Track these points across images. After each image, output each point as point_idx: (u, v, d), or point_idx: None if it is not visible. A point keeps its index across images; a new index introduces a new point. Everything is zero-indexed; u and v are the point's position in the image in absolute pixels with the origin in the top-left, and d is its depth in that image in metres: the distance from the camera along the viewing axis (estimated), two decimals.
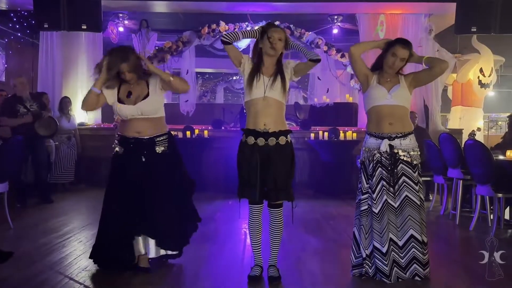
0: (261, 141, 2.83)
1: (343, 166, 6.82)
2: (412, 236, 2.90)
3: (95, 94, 3.09)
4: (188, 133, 7.01)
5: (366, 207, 3.00)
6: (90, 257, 3.16)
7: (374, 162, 2.96)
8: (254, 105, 2.85)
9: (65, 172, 6.81)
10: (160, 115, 3.17)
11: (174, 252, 3.21)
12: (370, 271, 2.95)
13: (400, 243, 2.91)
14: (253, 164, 2.82)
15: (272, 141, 2.83)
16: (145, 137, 3.08)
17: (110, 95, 3.13)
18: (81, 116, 7.85)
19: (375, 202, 2.94)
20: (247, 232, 3.03)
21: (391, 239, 2.90)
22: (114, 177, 3.12)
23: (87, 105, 3.16)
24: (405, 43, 2.95)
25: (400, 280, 2.91)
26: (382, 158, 2.95)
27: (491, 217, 4.58)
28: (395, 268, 2.91)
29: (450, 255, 3.80)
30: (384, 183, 2.94)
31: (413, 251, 2.90)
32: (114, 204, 3.06)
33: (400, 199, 2.92)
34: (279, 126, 2.86)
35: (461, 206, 4.91)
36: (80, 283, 2.87)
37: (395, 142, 2.93)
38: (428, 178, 6.06)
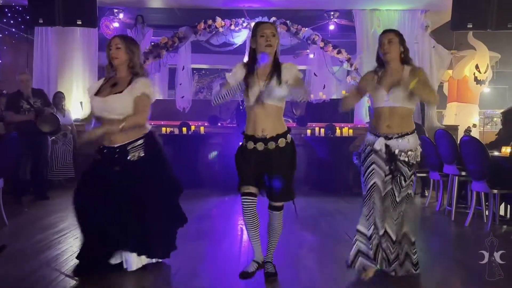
0: (260, 146, 2.81)
1: (340, 162, 6.82)
2: (385, 231, 2.92)
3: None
4: (184, 129, 6.99)
5: (365, 192, 3.00)
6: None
7: (367, 151, 2.98)
8: (252, 111, 2.81)
9: (62, 169, 6.78)
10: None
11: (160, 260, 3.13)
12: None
13: (381, 232, 2.92)
14: (251, 163, 2.81)
15: (271, 145, 2.80)
16: (116, 145, 2.89)
17: (92, 89, 3.00)
18: (76, 113, 7.82)
19: (364, 184, 2.97)
20: (244, 228, 3.01)
21: (375, 224, 2.92)
22: (87, 184, 2.96)
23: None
24: (385, 30, 3.01)
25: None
26: (381, 155, 2.93)
27: (487, 213, 4.61)
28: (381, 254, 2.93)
29: (445, 250, 3.82)
30: (376, 167, 2.92)
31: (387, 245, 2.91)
32: (90, 216, 2.89)
33: (386, 189, 2.92)
34: (277, 129, 2.81)
35: (456, 202, 4.93)
36: (76, 280, 2.86)
37: (392, 142, 2.90)
38: (424, 174, 6.09)
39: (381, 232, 2.90)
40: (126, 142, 2.90)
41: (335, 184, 6.78)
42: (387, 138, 2.92)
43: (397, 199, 2.91)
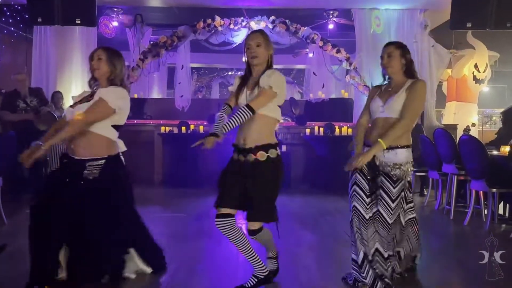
0: (241, 157, 2.63)
1: (339, 161, 6.78)
2: (377, 249, 2.74)
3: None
4: (183, 128, 6.99)
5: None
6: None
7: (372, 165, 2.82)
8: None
9: None
10: (99, 133, 2.72)
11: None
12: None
13: (370, 257, 2.74)
14: (228, 178, 2.66)
15: (250, 157, 2.60)
16: (76, 157, 2.72)
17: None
18: None
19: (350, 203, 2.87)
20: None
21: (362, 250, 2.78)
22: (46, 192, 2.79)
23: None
24: (387, 43, 2.92)
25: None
26: (364, 167, 2.81)
27: (485, 212, 4.62)
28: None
29: (444, 249, 3.83)
30: (357, 188, 2.83)
31: (377, 265, 2.72)
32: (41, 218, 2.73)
33: (371, 211, 2.78)
34: (260, 140, 2.61)
35: (455, 201, 4.95)
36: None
37: (381, 155, 2.76)
38: (423, 173, 6.10)
39: (370, 257, 2.72)
40: (87, 158, 2.70)
41: (334, 183, 6.77)
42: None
43: (389, 221, 2.71)
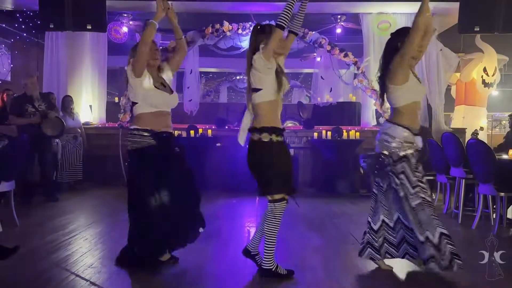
0: (280, 138, 2.91)
1: (346, 165, 6.85)
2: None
3: (154, 27, 3.11)
4: (192, 132, 7.06)
5: (419, 200, 2.91)
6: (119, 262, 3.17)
7: (416, 153, 2.97)
8: (277, 105, 2.93)
9: (71, 171, 6.86)
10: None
11: None
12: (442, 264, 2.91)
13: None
14: (289, 159, 2.95)
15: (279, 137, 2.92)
16: (173, 132, 3.21)
17: (145, 78, 3.09)
18: (86, 116, 7.91)
19: (426, 190, 2.95)
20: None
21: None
22: (148, 172, 3.03)
23: (147, 38, 3.05)
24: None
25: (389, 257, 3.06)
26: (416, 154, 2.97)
27: (494, 216, 4.59)
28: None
29: None
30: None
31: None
32: (153, 197, 3.00)
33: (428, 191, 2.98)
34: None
35: (463, 205, 4.93)
36: (86, 280, 2.91)
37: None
38: (431, 177, 6.08)
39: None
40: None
41: (341, 186, 6.80)
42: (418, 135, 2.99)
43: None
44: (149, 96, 3.06)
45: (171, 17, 3.22)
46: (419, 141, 2.95)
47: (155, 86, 3.09)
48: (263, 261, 2.98)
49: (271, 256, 2.94)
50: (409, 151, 2.92)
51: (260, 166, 2.90)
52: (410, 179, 2.92)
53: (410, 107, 2.96)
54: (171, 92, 3.20)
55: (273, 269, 2.95)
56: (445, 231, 2.90)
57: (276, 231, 2.92)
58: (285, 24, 2.82)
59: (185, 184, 3.14)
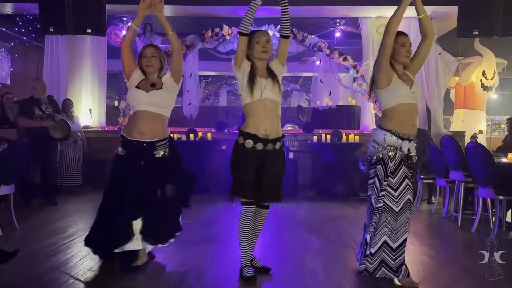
0: (259, 146, 2.88)
1: (346, 168, 6.85)
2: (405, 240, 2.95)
3: (133, 30, 3.20)
4: (191, 135, 7.06)
5: (381, 204, 2.91)
6: (85, 245, 3.25)
7: (397, 159, 2.89)
8: (255, 108, 2.89)
9: (71, 175, 6.86)
10: (165, 115, 3.21)
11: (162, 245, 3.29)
12: (370, 267, 2.96)
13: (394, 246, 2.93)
14: (249, 165, 2.87)
15: (269, 146, 2.90)
16: (146, 140, 3.11)
17: (135, 77, 3.18)
18: (85, 119, 7.92)
19: (396, 200, 2.88)
20: (238, 235, 3.03)
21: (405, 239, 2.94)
22: (114, 177, 3.17)
23: (125, 41, 3.20)
24: (404, 33, 3.03)
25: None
26: (404, 157, 2.93)
27: (493, 219, 4.60)
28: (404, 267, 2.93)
29: (452, 257, 3.82)
30: (408, 182, 2.91)
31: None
32: (113, 198, 3.13)
33: (403, 201, 2.89)
34: (277, 132, 2.93)
35: (463, 208, 4.93)
36: (86, 283, 2.91)
37: (411, 145, 2.95)
38: (431, 181, 6.10)
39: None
40: (155, 139, 3.13)
41: (341, 189, 6.80)
42: (409, 140, 2.93)
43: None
44: (129, 96, 3.19)
45: (155, 13, 3.22)
46: (405, 146, 2.88)
47: (136, 86, 3.14)
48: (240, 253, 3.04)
49: (243, 253, 3.02)
50: (390, 153, 2.89)
51: (283, 171, 3.01)
52: (381, 183, 2.92)
53: (395, 110, 2.92)
54: (158, 88, 3.15)
55: (241, 264, 3.02)
56: (389, 242, 2.91)
57: (243, 234, 2.99)
58: (245, 30, 2.88)
59: (142, 195, 3.10)
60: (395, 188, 2.88)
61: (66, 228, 4.52)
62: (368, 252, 2.98)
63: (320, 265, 3.41)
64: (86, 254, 3.56)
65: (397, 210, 2.88)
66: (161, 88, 3.17)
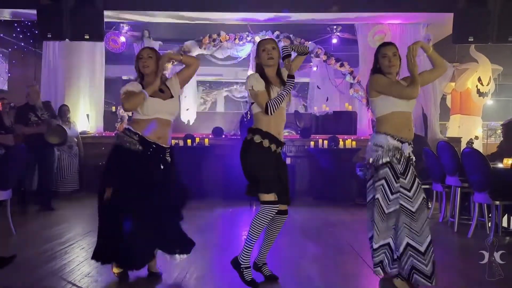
0: (273, 147, 2.94)
1: (343, 174, 6.87)
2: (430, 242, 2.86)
3: (144, 97, 2.98)
4: (189, 141, 7.07)
5: (396, 207, 2.85)
6: (94, 258, 3.08)
7: (404, 160, 2.88)
8: (278, 110, 2.91)
9: (67, 181, 6.86)
10: (172, 121, 3.18)
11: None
12: (403, 272, 2.82)
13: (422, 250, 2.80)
14: (271, 162, 2.92)
15: (279, 149, 2.99)
16: (164, 145, 3.06)
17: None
18: (83, 125, 7.92)
19: (411, 200, 2.84)
20: (248, 235, 2.98)
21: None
22: (134, 175, 2.97)
23: (133, 106, 2.99)
24: (386, 43, 3.06)
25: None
26: (394, 160, 2.89)
27: (489, 225, 4.61)
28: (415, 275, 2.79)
29: (448, 262, 3.83)
30: (419, 181, 2.90)
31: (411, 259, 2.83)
32: (133, 201, 2.94)
33: (419, 200, 2.86)
34: (282, 136, 3.03)
35: (459, 213, 4.95)
36: None
37: (410, 149, 2.97)
38: (427, 186, 6.11)
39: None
40: (168, 146, 3.12)
41: (338, 195, 6.81)
42: (409, 144, 2.95)
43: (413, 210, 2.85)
44: (143, 106, 2.99)
45: (179, 61, 3.30)
46: (405, 148, 2.89)
47: (150, 95, 3.02)
48: (241, 254, 2.96)
49: (247, 255, 2.95)
50: (397, 155, 2.88)
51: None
52: (390, 186, 2.87)
53: (390, 117, 2.93)
54: (170, 97, 3.09)
55: (241, 266, 2.95)
56: (414, 244, 2.81)
57: (253, 235, 2.89)
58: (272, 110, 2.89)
59: (163, 200, 3.03)
60: (408, 188, 2.86)
61: (63, 233, 4.52)
62: (395, 257, 2.87)
63: (316, 271, 3.41)
64: (83, 259, 3.56)
65: (414, 210, 2.84)
66: (173, 96, 3.12)
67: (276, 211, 2.90)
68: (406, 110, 2.96)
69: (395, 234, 2.86)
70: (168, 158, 3.09)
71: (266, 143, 2.90)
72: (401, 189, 2.86)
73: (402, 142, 2.92)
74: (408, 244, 2.80)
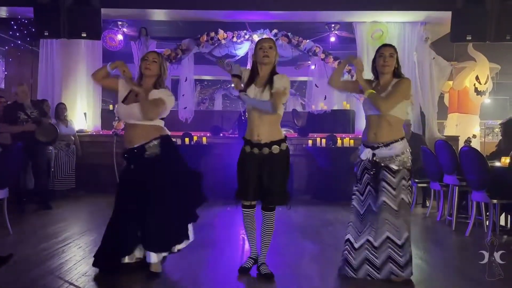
0: (255, 150, 3.04)
1: (341, 172, 6.86)
2: (387, 237, 2.99)
3: (105, 70, 3.22)
4: (186, 139, 7.05)
5: (352, 206, 3.23)
6: (94, 265, 3.20)
7: (361, 167, 3.15)
8: (249, 115, 3.09)
9: (64, 179, 6.83)
10: (152, 124, 3.14)
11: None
12: (378, 262, 3.03)
13: (376, 244, 3.01)
14: (247, 170, 3.04)
15: (265, 150, 3.02)
16: (135, 146, 3.14)
17: (123, 90, 3.22)
18: (80, 123, 7.89)
19: (362, 204, 3.14)
20: (245, 237, 3.10)
21: (367, 240, 3.04)
22: (118, 187, 3.30)
23: (94, 75, 3.27)
24: (386, 44, 3.19)
25: (370, 278, 3.01)
26: (367, 164, 3.10)
27: (487, 223, 4.63)
28: (367, 266, 3.02)
29: (446, 260, 3.84)
30: (370, 188, 3.09)
31: (389, 251, 2.98)
32: (117, 213, 3.23)
33: (378, 203, 3.01)
34: (272, 136, 3.03)
35: (457, 212, 4.96)
36: None
37: (380, 151, 3.03)
38: (425, 185, 6.13)
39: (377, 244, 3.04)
40: (143, 143, 3.12)
41: (336, 193, 6.81)
42: (373, 148, 3.06)
43: (395, 208, 2.98)
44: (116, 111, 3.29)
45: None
46: (362, 153, 3.12)
47: (121, 101, 3.18)
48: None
49: (251, 247, 3.27)
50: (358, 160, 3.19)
51: (284, 175, 3.13)
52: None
53: (367, 119, 3.17)
54: (128, 103, 3.15)
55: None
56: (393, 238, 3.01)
57: (246, 233, 3.26)
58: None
59: (138, 200, 3.12)
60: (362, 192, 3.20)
61: (60, 232, 4.50)
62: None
63: (315, 270, 3.41)
64: (80, 258, 3.55)
65: (361, 212, 3.16)
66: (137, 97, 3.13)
67: (250, 213, 3.16)
68: (373, 115, 3.08)
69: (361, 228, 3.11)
70: (148, 153, 3.11)
71: (247, 148, 3.07)
72: (357, 193, 3.19)
73: (366, 146, 3.10)
74: (387, 237, 2.99)
